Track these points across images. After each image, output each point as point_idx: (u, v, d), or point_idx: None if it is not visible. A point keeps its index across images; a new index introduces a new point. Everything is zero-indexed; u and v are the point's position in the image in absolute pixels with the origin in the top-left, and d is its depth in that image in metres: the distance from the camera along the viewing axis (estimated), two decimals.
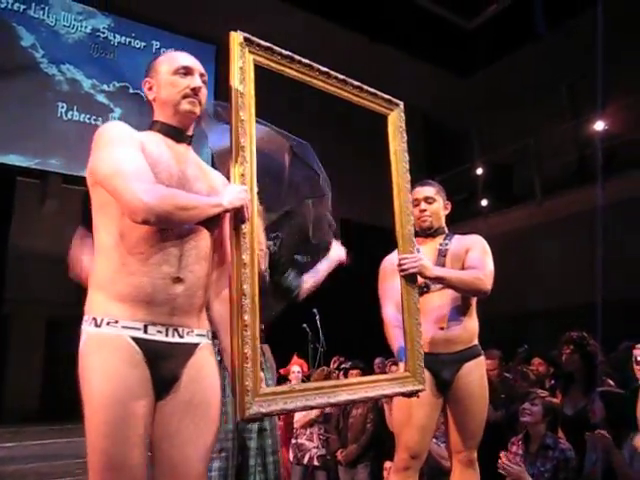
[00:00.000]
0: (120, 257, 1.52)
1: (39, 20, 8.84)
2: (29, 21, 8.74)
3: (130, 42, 9.65)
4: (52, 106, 8.78)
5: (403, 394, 2.14)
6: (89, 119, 9.00)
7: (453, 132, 12.24)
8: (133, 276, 1.51)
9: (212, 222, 1.62)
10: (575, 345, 3.65)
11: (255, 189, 1.74)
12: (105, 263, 1.54)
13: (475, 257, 2.52)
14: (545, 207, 9.72)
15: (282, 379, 4.96)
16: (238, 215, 1.65)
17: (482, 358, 2.60)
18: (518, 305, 9.06)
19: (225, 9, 8.35)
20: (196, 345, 1.61)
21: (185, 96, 1.66)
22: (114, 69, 9.38)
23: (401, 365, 2.20)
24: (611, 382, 3.62)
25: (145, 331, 1.51)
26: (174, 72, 1.67)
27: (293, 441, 4.48)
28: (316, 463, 4.32)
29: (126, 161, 1.50)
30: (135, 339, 1.50)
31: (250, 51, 1.80)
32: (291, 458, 4.45)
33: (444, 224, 2.69)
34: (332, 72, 2.08)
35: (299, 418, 4.46)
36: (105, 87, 9.29)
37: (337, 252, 2.61)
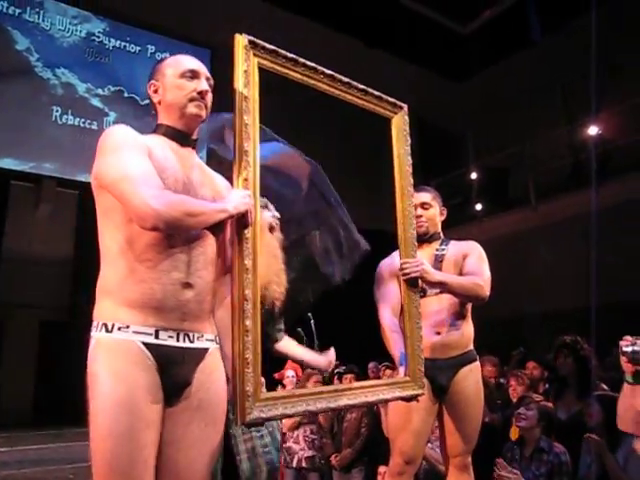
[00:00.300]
0: (128, 263, 1.51)
1: (34, 24, 8.84)
2: (24, 25, 8.73)
3: (125, 46, 9.66)
4: (47, 110, 8.76)
5: (403, 399, 2.14)
6: (84, 123, 8.97)
7: (448, 136, 12.27)
8: (143, 283, 1.50)
9: (217, 227, 1.62)
10: (569, 349, 3.65)
11: (258, 194, 1.73)
12: (112, 269, 1.53)
13: (473, 263, 2.53)
14: (540, 211, 9.75)
15: (277, 383, 4.95)
16: (241, 220, 1.64)
17: (477, 363, 2.60)
18: (513, 309, 9.06)
19: (220, 14, 8.37)
20: (206, 350, 1.60)
21: (192, 99, 1.65)
22: (109, 73, 9.38)
23: (401, 370, 2.20)
24: (605, 387, 3.62)
25: (156, 336, 1.50)
26: (181, 75, 1.67)
27: (284, 445, 4.47)
28: (304, 465, 4.31)
29: (134, 166, 1.49)
30: (146, 344, 1.48)
31: (255, 54, 1.79)
32: (282, 462, 4.44)
33: (440, 230, 2.69)
34: (337, 75, 2.07)
35: (285, 421, 4.45)
36: (100, 91, 9.28)
37: (327, 359, 2.62)
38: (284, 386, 4.79)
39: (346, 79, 2.11)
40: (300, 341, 6.86)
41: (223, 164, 1.81)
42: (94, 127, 8.80)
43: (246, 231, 1.66)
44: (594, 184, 7.58)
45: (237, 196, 1.63)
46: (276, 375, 4.87)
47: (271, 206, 2.25)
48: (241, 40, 1.76)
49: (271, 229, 2.22)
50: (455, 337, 2.53)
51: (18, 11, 8.69)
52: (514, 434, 3.45)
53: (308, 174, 2.33)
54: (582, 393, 3.47)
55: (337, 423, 4.42)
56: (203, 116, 1.68)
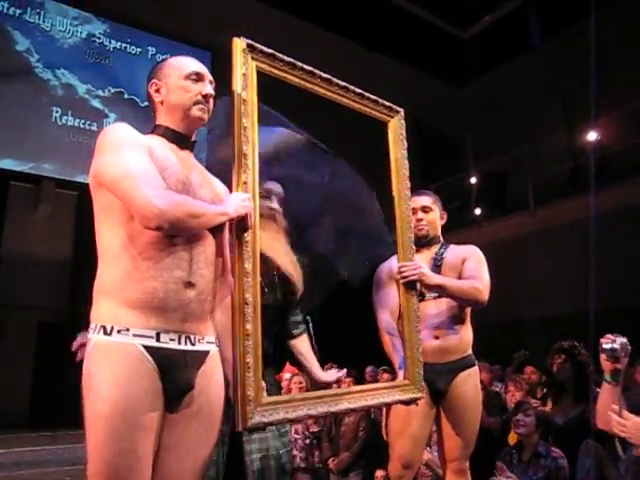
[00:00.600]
0: (129, 262, 1.48)
1: (35, 25, 8.83)
2: (24, 25, 8.73)
3: (126, 48, 9.66)
4: (47, 111, 8.76)
5: (403, 402, 2.14)
6: (84, 124, 8.97)
7: (447, 140, 12.28)
8: (144, 281, 1.47)
9: (216, 228, 1.60)
10: (566, 354, 3.66)
11: (258, 197, 1.73)
12: (112, 268, 1.50)
13: (472, 268, 2.53)
14: (539, 216, 9.75)
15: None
16: (241, 223, 1.64)
17: (476, 368, 2.60)
18: (511, 313, 9.06)
19: (220, 16, 8.38)
20: (207, 353, 1.58)
21: (196, 102, 1.65)
22: (109, 74, 9.38)
23: (400, 373, 2.20)
24: None
25: (157, 339, 1.47)
26: (186, 77, 1.65)
27: None
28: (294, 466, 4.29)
29: (135, 164, 1.47)
30: (147, 348, 1.45)
31: (253, 57, 1.79)
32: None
33: (440, 234, 2.70)
34: (334, 79, 2.08)
35: None
36: (100, 92, 9.27)
37: (333, 378, 2.35)
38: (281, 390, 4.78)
39: (343, 83, 2.12)
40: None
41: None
42: (94, 128, 8.79)
43: (246, 234, 1.65)
44: (593, 189, 7.59)
45: (237, 199, 1.62)
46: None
47: (274, 196, 2.20)
48: (239, 43, 1.76)
49: (272, 218, 2.17)
50: (454, 341, 2.53)
51: (19, 12, 8.69)
52: (512, 439, 3.45)
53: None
54: (579, 398, 3.48)
55: (335, 427, 4.41)
56: (205, 119, 1.68)
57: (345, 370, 2.36)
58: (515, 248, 9.70)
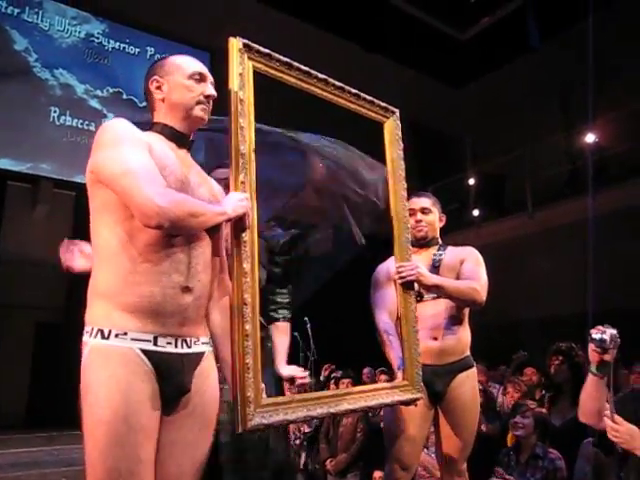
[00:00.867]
0: (128, 263, 1.46)
1: (33, 24, 8.81)
2: (23, 25, 8.70)
3: (124, 48, 9.64)
4: (45, 110, 8.73)
5: (402, 402, 2.14)
6: (82, 124, 8.95)
7: (445, 142, 12.28)
8: (142, 285, 1.45)
9: (212, 229, 1.59)
10: (564, 356, 3.66)
11: (255, 197, 1.72)
12: (110, 270, 1.48)
13: (470, 268, 2.53)
14: (537, 217, 9.76)
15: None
16: (239, 224, 1.63)
17: (474, 369, 2.60)
18: (510, 315, 9.07)
19: (219, 16, 8.37)
20: (202, 354, 1.58)
21: (199, 102, 1.64)
22: (108, 74, 9.36)
23: (399, 374, 2.20)
24: None
25: (155, 343, 1.46)
26: (189, 77, 1.65)
27: None
28: None
29: (136, 161, 1.45)
30: (144, 351, 1.44)
31: (249, 57, 1.79)
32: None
33: (438, 236, 2.70)
34: (330, 79, 2.08)
35: None
36: (98, 92, 9.26)
37: (286, 371, 2.25)
38: None
39: (339, 83, 2.12)
40: (296, 345, 6.87)
41: None
42: (92, 128, 8.75)
43: (244, 234, 1.65)
44: (591, 191, 7.60)
45: (235, 199, 1.61)
46: None
47: None
48: (236, 43, 1.76)
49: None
50: (452, 343, 2.52)
51: (17, 11, 8.66)
52: (510, 441, 3.45)
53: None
54: (577, 399, 3.47)
55: (333, 427, 4.41)
56: (206, 120, 1.67)
57: (307, 373, 2.30)
58: (513, 249, 9.71)
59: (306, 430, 4.50)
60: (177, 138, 1.65)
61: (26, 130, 8.42)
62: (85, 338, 1.46)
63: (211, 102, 1.68)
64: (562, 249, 8.68)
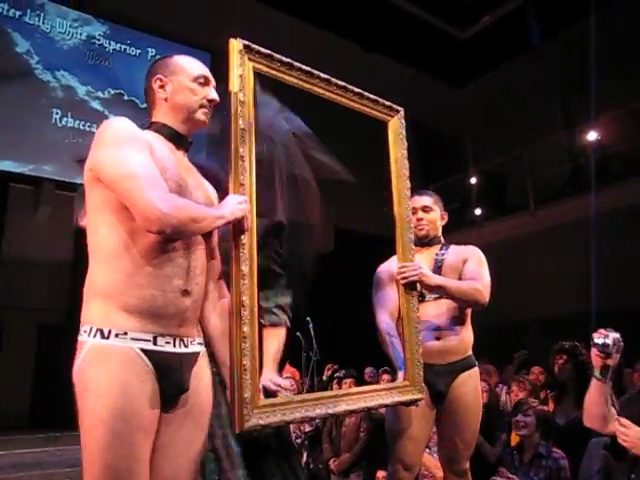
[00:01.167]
0: (129, 266, 1.46)
1: (34, 26, 8.81)
2: (24, 27, 8.70)
3: (125, 49, 9.64)
4: (47, 112, 8.74)
5: (402, 403, 2.14)
6: (83, 126, 8.95)
7: (447, 141, 12.27)
8: (143, 289, 1.45)
9: (208, 232, 1.59)
10: (568, 355, 3.65)
11: (255, 199, 1.71)
12: (110, 270, 1.47)
13: (472, 268, 2.52)
14: (539, 216, 9.74)
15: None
16: (237, 226, 1.63)
17: (476, 369, 2.59)
18: (512, 314, 9.05)
19: (220, 17, 8.37)
20: (198, 354, 1.59)
21: (202, 106, 1.64)
22: (109, 76, 9.36)
23: (400, 374, 2.19)
24: None
25: (154, 342, 1.47)
26: (194, 79, 1.64)
27: None
28: None
29: (139, 164, 1.44)
30: (144, 351, 1.45)
31: (250, 58, 1.78)
32: None
33: (440, 234, 2.69)
34: (332, 79, 2.06)
35: None
36: (100, 94, 9.26)
37: (278, 384, 2.00)
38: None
39: (342, 83, 2.10)
40: (299, 345, 6.87)
41: None
42: (94, 130, 8.70)
43: (242, 237, 1.65)
44: (593, 189, 7.59)
45: (233, 202, 1.61)
46: None
47: None
48: (236, 45, 1.75)
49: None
50: (454, 342, 2.52)
51: (18, 13, 8.67)
52: (513, 440, 3.44)
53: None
54: (581, 399, 3.46)
55: (335, 427, 4.41)
56: (207, 124, 1.67)
57: (289, 383, 2.16)
58: (515, 248, 9.69)
59: (307, 429, 4.50)
60: (176, 139, 1.64)
61: (28, 132, 8.42)
62: (83, 337, 1.45)
63: (213, 107, 1.68)
64: (564, 248, 8.66)
